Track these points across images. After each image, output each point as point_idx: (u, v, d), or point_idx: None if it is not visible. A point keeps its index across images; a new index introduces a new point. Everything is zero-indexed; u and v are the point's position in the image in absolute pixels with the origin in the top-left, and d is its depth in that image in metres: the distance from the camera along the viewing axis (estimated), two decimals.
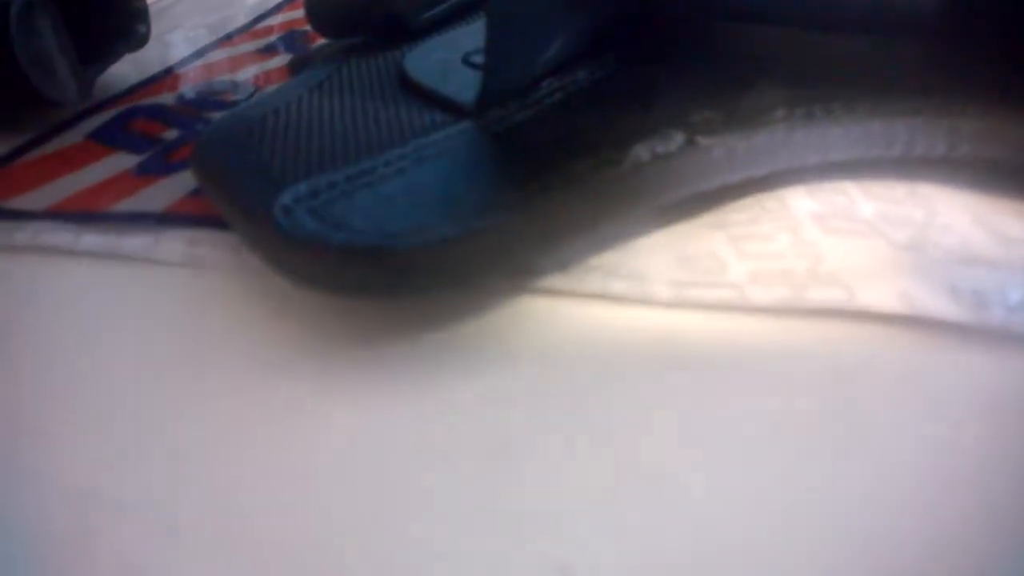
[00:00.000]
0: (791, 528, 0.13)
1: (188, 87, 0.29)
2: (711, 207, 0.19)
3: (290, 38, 0.32)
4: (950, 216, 0.18)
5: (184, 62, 0.31)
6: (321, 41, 0.29)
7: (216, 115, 0.27)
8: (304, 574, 0.12)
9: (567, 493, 0.13)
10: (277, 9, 0.36)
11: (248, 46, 0.33)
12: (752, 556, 0.12)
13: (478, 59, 0.22)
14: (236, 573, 0.12)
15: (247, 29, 0.34)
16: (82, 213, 0.20)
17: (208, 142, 0.19)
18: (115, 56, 0.29)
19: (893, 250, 0.17)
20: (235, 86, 0.29)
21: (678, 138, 0.17)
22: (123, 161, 0.24)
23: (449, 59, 0.22)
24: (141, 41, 0.29)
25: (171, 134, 0.25)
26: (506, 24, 0.19)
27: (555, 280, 0.17)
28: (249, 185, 0.17)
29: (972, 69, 0.19)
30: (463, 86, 0.21)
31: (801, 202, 0.19)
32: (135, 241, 0.19)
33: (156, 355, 0.17)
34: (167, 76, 0.30)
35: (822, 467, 0.13)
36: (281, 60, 0.31)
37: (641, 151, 0.17)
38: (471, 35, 0.24)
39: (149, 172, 0.23)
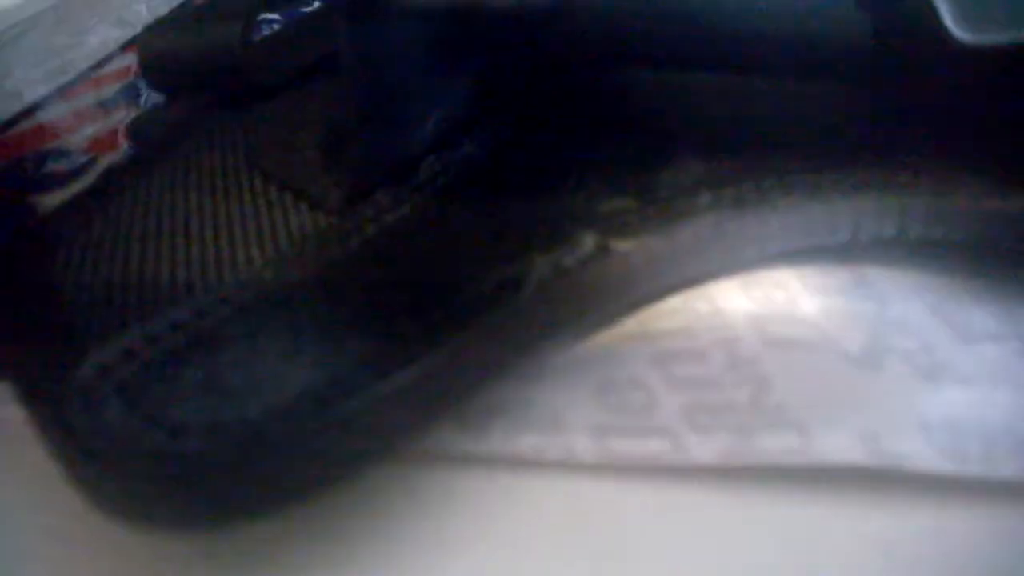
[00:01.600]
0: None
1: (10, 161, 0.24)
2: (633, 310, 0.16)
3: (131, 90, 0.27)
4: (903, 307, 0.16)
5: (11, 122, 0.26)
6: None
7: (46, 198, 0.22)
8: None
9: None
10: (122, 50, 0.31)
11: (88, 98, 0.28)
12: None
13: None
14: None
15: (88, 77, 0.29)
16: None
17: None
18: None
19: (847, 367, 0.14)
20: (67, 156, 0.24)
21: (588, 243, 0.14)
22: None
23: (306, 138, 0.18)
24: None
25: None
26: (374, 94, 0.16)
27: (447, 436, 0.14)
28: (41, 343, 0.13)
29: (920, 134, 0.16)
30: (322, 172, 0.17)
31: (736, 300, 0.16)
32: None
33: None
34: None
35: None
36: (123, 116, 0.26)
37: (543, 266, 0.14)
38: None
39: None
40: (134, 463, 0.11)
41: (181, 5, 0.29)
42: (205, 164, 0.18)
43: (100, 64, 0.31)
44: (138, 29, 0.31)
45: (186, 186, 0.17)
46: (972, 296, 0.16)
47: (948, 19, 0.13)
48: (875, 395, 0.14)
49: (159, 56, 0.21)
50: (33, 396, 0.12)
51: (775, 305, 0.16)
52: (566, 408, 0.14)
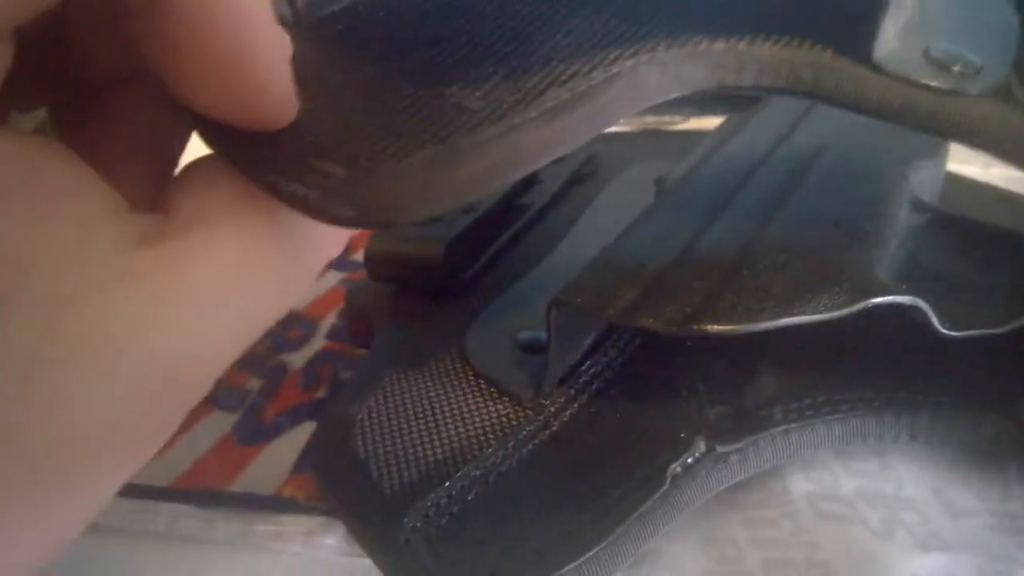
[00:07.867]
0: None
1: None
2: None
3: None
4: (913, 488, 0.23)
5: None
6: None
7: (288, 357, 0.31)
8: None
9: None
10: None
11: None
12: None
13: (525, 337, 0.27)
14: None
15: None
16: (207, 494, 0.24)
17: (316, 459, 0.23)
18: None
19: (871, 537, 0.22)
20: (296, 318, 0.33)
21: (700, 446, 0.22)
22: (220, 422, 0.28)
23: (501, 343, 0.27)
24: None
25: (254, 384, 0.30)
26: (564, 335, 0.24)
27: None
28: (367, 511, 0.21)
29: (932, 375, 0.24)
30: (518, 374, 0.25)
31: (798, 483, 0.24)
32: (262, 528, 0.23)
33: None
34: None
35: None
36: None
37: (676, 466, 0.22)
38: (515, 306, 0.28)
39: (247, 441, 0.27)
40: None
41: None
42: (431, 361, 0.26)
43: None
44: None
45: (424, 378, 0.26)
46: (963, 481, 0.24)
47: (935, 322, 0.21)
48: (885, 558, 0.21)
49: (380, 253, 0.30)
50: (374, 550, 0.21)
51: (824, 485, 0.23)
52: (683, 557, 0.22)
